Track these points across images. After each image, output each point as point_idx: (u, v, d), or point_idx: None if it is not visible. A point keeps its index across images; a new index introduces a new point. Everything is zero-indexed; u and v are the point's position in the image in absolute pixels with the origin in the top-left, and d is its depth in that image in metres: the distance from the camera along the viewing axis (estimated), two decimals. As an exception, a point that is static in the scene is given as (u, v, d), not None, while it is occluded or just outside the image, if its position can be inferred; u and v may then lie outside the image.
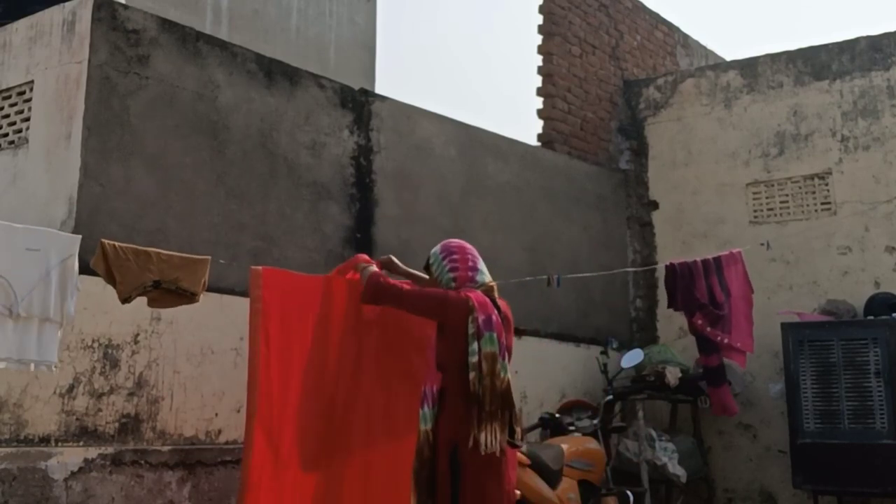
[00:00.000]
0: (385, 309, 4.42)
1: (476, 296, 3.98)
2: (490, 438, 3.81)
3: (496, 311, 3.98)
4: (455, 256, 4.16)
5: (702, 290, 5.99)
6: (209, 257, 4.38)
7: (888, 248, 7.39)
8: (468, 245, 4.25)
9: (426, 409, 4.02)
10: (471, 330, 3.88)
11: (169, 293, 4.19)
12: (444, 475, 3.91)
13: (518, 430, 3.99)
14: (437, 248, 4.26)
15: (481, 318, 3.89)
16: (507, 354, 3.97)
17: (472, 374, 3.84)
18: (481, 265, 4.17)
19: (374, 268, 4.24)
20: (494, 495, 3.89)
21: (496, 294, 4.13)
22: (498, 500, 3.90)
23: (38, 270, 3.85)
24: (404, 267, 4.58)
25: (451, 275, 4.12)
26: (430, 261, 4.24)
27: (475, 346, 3.86)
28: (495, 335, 3.90)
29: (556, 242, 7.59)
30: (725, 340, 6.06)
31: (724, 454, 7.81)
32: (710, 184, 8.18)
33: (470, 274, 4.09)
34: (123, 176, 4.86)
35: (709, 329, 6.03)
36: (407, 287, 4.12)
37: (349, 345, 4.54)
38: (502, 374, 3.90)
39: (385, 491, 4.51)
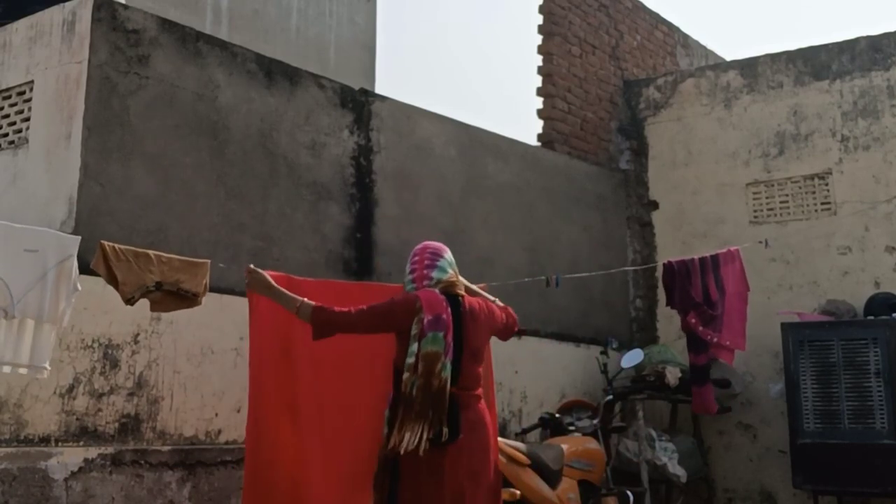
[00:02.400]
0: None
1: (426, 295, 3.93)
2: (412, 439, 3.73)
3: (448, 310, 3.90)
4: (415, 258, 4.13)
5: (697, 289, 6.00)
6: (209, 260, 4.38)
7: (888, 248, 7.39)
8: (432, 244, 4.18)
9: (386, 411, 4.00)
10: (414, 331, 3.84)
11: (171, 295, 4.19)
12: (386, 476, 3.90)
13: (444, 430, 3.82)
14: None
15: (427, 318, 3.84)
16: (452, 355, 3.85)
17: (405, 375, 3.81)
18: (442, 262, 4.08)
19: (311, 301, 4.02)
20: (432, 497, 3.82)
21: (459, 290, 4.04)
22: (437, 502, 3.82)
23: (35, 271, 3.83)
24: None
25: (410, 276, 4.10)
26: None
27: (414, 346, 3.81)
28: (440, 335, 3.83)
29: (556, 242, 7.59)
30: (715, 339, 6.08)
31: (724, 454, 7.81)
32: (710, 184, 8.18)
33: (426, 272, 4.03)
34: (123, 176, 4.86)
35: (701, 328, 6.04)
36: (354, 310, 3.98)
37: (352, 345, 4.55)
38: (442, 374, 3.81)
39: None
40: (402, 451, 3.73)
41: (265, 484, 4.28)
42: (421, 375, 3.78)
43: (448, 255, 4.16)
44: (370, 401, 4.62)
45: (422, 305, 3.87)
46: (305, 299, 4.02)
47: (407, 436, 3.73)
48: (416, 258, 4.12)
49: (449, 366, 3.84)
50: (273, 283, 4.14)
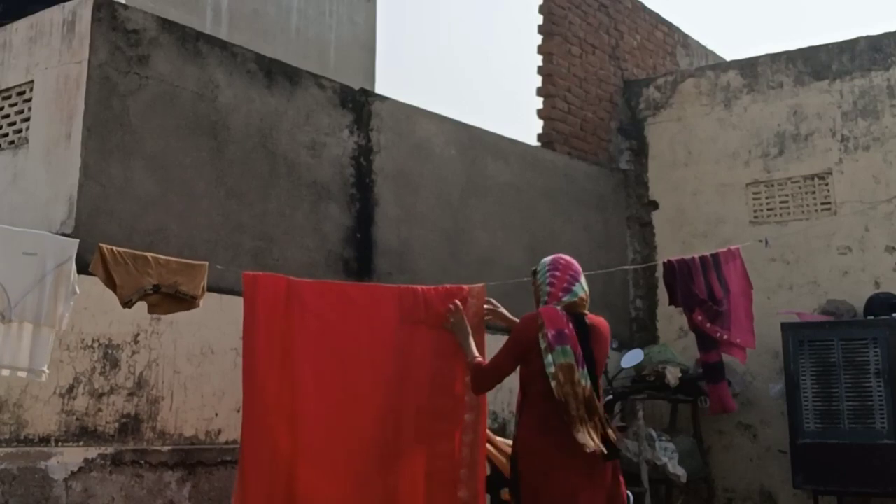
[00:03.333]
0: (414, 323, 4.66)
1: (547, 311, 4.09)
2: (587, 439, 3.90)
3: (570, 325, 4.05)
4: (557, 273, 4.25)
5: (700, 287, 5.97)
6: (206, 263, 4.38)
7: (888, 248, 7.39)
8: (574, 263, 4.32)
9: (514, 417, 4.34)
10: (542, 345, 4.00)
11: (169, 298, 4.18)
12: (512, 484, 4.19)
13: (612, 437, 4.01)
14: (548, 259, 4.37)
15: (551, 332, 4.00)
16: (586, 364, 4.02)
17: (553, 383, 3.95)
18: (577, 286, 4.23)
19: (479, 359, 4.36)
20: (551, 496, 3.94)
21: (583, 309, 4.20)
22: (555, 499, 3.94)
23: (33, 275, 3.82)
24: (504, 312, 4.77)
25: (548, 289, 4.22)
26: (538, 269, 4.35)
27: (549, 358, 3.98)
28: (568, 348, 3.99)
29: (556, 242, 7.58)
30: (725, 337, 6.04)
31: (724, 454, 7.81)
32: (710, 184, 8.18)
33: (561, 294, 4.18)
34: (123, 176, 4.86)
35: (708, 325, 6.01)
36: (492, 361, 4.28)
37: (353, 346, 4.55)
38: (583, 383, 3.98)
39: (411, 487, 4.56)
40: (587, 451, 3.88)
41: (259, 484, 4.26)
42: (566, 383, 3.95)
43: (583, 278, 4.31)
44: (371, 402, 4.61)
45: (543, 321, 4.04)
46: (478, 357, 4.37)
47: (580, 436, 3.89)
48: (559, 274, 4.25)
49: (587, 375, 4.01)
50: (470, 332, 4.51)
